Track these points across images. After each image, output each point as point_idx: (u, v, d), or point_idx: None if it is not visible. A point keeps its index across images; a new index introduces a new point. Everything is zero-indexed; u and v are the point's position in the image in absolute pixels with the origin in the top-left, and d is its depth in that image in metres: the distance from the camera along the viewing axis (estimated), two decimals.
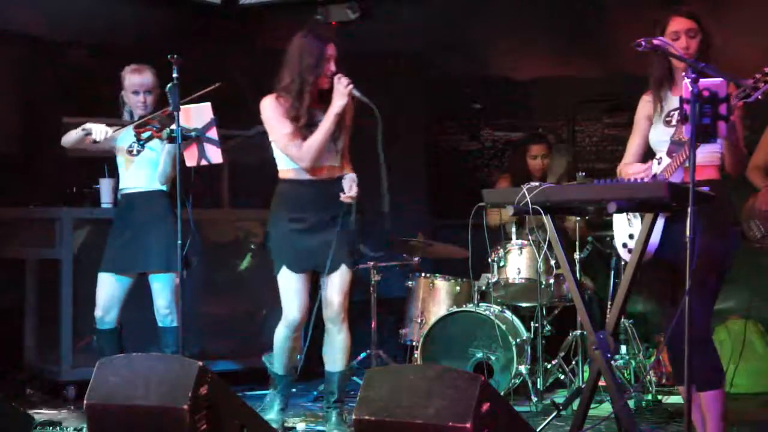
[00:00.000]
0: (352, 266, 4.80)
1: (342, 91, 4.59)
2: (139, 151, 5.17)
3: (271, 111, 4.68)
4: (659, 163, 3.98)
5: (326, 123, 4.62)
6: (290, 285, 4.75)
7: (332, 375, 4.84)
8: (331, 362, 4.84)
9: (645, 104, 4.12)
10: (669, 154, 3.94)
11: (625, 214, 4.08)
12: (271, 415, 4.85)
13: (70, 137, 5.14)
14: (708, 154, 3.88)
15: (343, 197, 4.66)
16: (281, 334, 4.82)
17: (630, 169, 4.08)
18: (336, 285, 4.74)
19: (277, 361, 4.89)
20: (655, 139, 4.06)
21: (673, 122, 3.98)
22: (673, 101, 4.00)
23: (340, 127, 4.71)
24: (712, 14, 4.08)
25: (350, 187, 4.68)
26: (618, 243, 4.15)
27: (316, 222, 4.71)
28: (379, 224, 4.76)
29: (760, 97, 3.57)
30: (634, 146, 4.17)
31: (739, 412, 5.26)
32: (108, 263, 5.19)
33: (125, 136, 5.17)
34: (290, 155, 4.68)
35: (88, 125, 5.04)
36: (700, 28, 3.94)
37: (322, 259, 4.70)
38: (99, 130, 4.99)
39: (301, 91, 4.61)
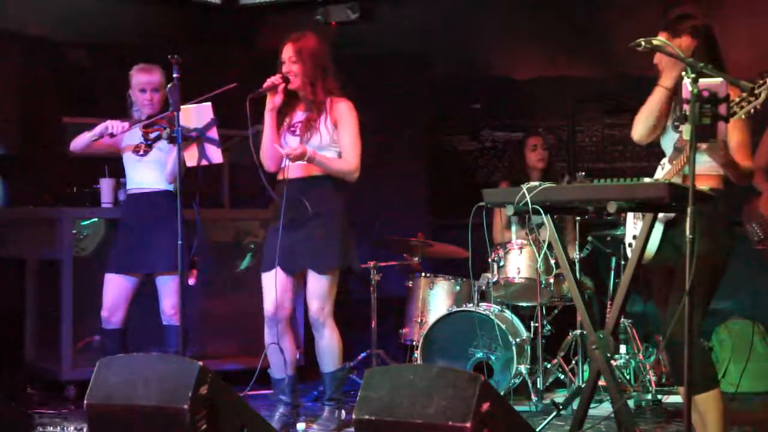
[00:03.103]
0: (322, 270, 4.75)
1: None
2: (146, 151, 5.16)
3: None
4: (662, 169, 3.98)
5: (266, 121, 4.75)
6: (263, 282, 4.85)
7: (323, 375, 4.93)
8: (321, 364, 4.92)
9: None
10: (670, 160, 3.93)
11: (633, 215, 4.08)
12: (272, 423, 4.83)
13: (83, 139, 5.12)
14: (709, 164, 3.82)
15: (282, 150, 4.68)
16: (265, 331, 4.88)
17: None
18: (309, 290, 4.79)
19: (270, 364, 4.91)
20: (664, 144, 4.06)
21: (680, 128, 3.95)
22: None
23: (309, 128, 4.73)
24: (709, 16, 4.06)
25: (295, 147, 4.67)
26: (627, 243, 4.16)
27: (285, 222, 4.71)
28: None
29: (744, 117, 3.53)
30: None
31: (741, 412, 5.27)
32: (114, 263, 5.18)
33: (132, 136, 5.17)
34: None
35: (102, 125, 5.05)
36: (695, 44, 3.86)
37: (285, 260, 4.72)
38: (114, 125, 5.03)
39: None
